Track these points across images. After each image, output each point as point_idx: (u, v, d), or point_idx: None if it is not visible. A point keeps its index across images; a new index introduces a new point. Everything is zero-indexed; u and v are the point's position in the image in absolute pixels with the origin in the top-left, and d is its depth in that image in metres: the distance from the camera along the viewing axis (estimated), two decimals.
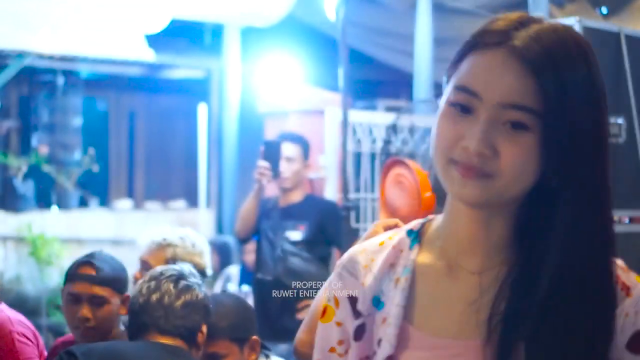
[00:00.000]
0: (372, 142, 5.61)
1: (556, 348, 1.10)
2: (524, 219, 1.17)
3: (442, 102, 1.17)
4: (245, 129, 8.84)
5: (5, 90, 9.21)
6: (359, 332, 1.24)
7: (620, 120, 4.65)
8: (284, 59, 7.82)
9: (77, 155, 9.25)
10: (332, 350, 1.28)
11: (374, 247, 1.28)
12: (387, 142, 5.07)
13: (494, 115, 1.10)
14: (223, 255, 7.26)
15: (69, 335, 3.06)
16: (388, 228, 1.96)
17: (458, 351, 1.16)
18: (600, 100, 1.14)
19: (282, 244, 4.59)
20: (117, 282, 2.83)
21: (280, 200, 4.75)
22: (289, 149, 4.67)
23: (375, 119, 5.75)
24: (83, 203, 9.29)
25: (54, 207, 9.08)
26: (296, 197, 4.73)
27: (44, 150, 9.07)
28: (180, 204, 9.80)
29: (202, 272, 3.11)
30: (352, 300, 1.26)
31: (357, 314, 1.25)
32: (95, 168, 9.25)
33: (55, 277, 8.31)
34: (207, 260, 3.29)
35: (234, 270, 6.63)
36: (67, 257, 8.35)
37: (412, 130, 5.22)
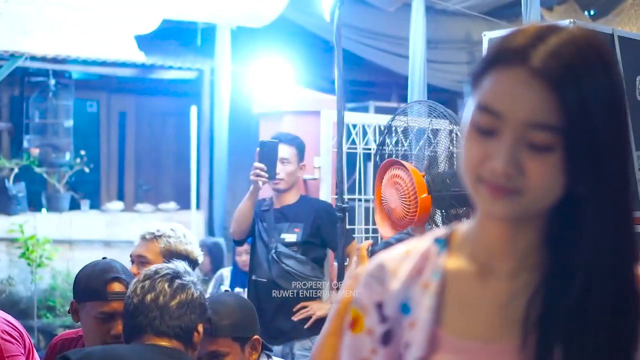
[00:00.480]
0: (365, 144, 5.62)
1: (591, 351, 1.12)
2: (553, 225, 1.19)
3: (467, 119, 1.19)
4: (237, 130, 8.83)
5: None
6: (387, 337, 1.26)
7: None
8: (276, 60, 7.82)
9: (68, 156, 9.22)
10: None
11: (400, 255, 1.30)
12: (381, 144, 5.06)
13: (519, 135, 1.12)
14: (214, 257, 7.24)
15: (65, 332, 3.07)
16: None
17: (489, 355, 1.18)
18: (622, 108, 1.15)
19: (277, 246, 4.58)
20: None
21: (275, 201, 4.74)
22: (284, 150, 4.66)
23: (368, 120, 5.75)
24: (74, 205, 9.26)
25: (45, 209, 9.05)
26: (291, 198, 4.72)
27: (35, 152, 9.04)
28: (171, 205, 9.78)
29: (194, 262, 3.19)
30: (379, 306, 1.28)
31: (383, 318, 1.27)
32: (86, 170, 9.23)
33: (46, 279, 8.29)
34: (198, 250, 3.33)
35: (226, 271, 6.61)
36: (59, 259, 8.33)
37: (406, 131, 5.22)
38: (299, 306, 4.50)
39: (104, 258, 2.98)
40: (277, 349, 4.43)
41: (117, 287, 2.78)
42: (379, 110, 8.33)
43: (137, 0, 7.80)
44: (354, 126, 5.59)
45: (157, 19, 7.93)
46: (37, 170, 8.99)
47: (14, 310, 6.95)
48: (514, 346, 1.16)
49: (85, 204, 9.34)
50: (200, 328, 2.45)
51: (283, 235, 4.61)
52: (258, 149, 4.62)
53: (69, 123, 9.24)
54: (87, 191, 9.68)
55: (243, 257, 5.84)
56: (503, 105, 1.13)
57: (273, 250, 4.58)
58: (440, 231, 1.31)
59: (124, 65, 9.12)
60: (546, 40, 1.13)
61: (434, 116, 4.72)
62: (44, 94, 9.14)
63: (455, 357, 1.20)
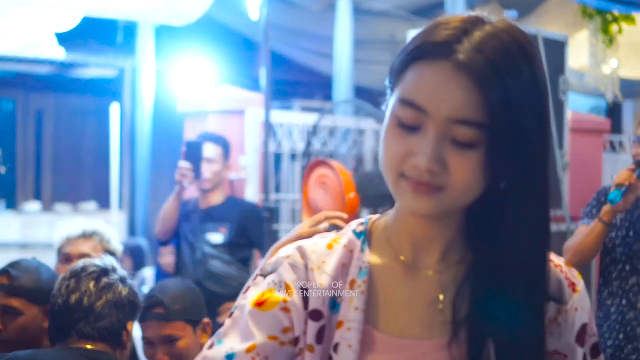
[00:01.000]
0: (292, 143, 5.61)
1: (520, 341, 1.14)
2: (475, 220, 1.20)
3: (388, 112, 1.17)
4: (161, 129, 8.72)
5: None
6: (321, 335, 1.21)
7: None
8: (200, 59, 7.75)
9: None
10: (273, 338, 1.20)
11: (323, 250, 1.26)
12: (308, 144, 5.07)
13: (443, 131, 1.11)
14: (136, 258, 7.15)
15: None
16: (317, 222, 1.96)
17: (424, 351, 1.17)
18: (545, 105, 1.16)
19: (203, 247, 4.54)
20: (33, 293, 2.69)
21: (201, 202, 4.70)
22: (209, 150, 4.62)
23: (295, 120, 5.74)
24: None
25: None
26: (217, 198, 4.69)
27: None
28: (91, 205, 9.60)
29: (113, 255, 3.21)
30: (305, 294, 1.22)
31: (316, 315, 1.22)
32: (2, 170, 8.99)
33: None
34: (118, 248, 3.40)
35: (148, 273, 6.53)
36: None
37: (333, 131, 5.23)
38: (224, 307, 4.47)
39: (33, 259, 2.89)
40: None
41: (1, 279, 2.71)
42: (304, 110, 8.34)
43: None
44: (281, 126, 5.57)
45: (78, 16, 7.75)
46: None
47: None
48: (447, 342, 1.16)
49: (1, 205, 9.10)
50: (130, 327, 2.40)
51: (209, 236, 4.58)
52: (183, 148, 4.58)
53: None
54: (2, 192, 9.44)
55: (167, 258, 5.78)
56: (427, 101, 1.11)
57: (199, 252, 4.54)
58: (356, 224, 1.28)
59: (42, 62, 8.92)
60: (471, 35, 1.11)
61: (361, 116, 4.74)
62: None
63: (390, 356, 1.18)
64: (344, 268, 1.23)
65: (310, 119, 5.45)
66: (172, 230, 4.68)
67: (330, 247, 1.25)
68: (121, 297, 2.37)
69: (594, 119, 7.58)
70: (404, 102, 1.13)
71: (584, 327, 1.20)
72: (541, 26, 6.62)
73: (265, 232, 4.49)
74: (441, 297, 1.20)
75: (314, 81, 9.76)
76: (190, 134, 5.46)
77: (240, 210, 4.66)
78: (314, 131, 4.98)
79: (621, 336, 3.55)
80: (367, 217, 1.31)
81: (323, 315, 1.21)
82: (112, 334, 2.34)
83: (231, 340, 1.21)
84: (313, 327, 1.21)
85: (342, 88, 6.29)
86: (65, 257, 3.22)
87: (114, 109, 8.36)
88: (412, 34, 4.07)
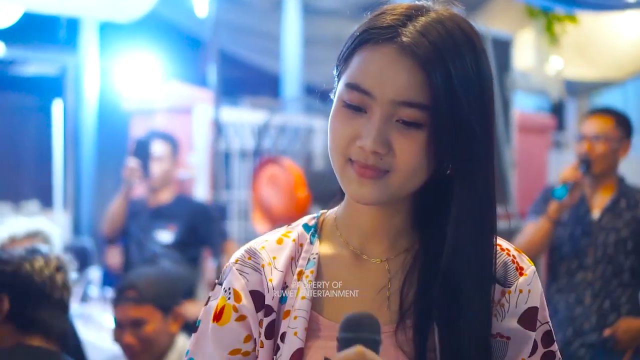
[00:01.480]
0: (242, 142, 5.59)
1: (464, 326, 1.15)
2: (423, 206, 1.22)
3: (335, 98, 1.19)
4: (106, 127, 8.63)
5: None
6: (270, 329, 1.23)
7: None
8: (146, 56, 7.67)
9: None
10: (234, 352, 1.24)
11: (273, 245, 1.28)
12: (258, 142, 5.05)
13: (388, 113, 1.12)
14: (81, 258, 7.06)
15: None
16: None
17: None
18: (488, 89, 1.18)
19: (152, 246, 4.51)
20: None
21: (150, 200, 4.66)
22: (158, 148, 4.59)
23: (244, 118, 5.73)
24: None
25: None
26: (166, 197, 4.65)
27: None
28: (33, 204, 9.44)
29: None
30: (257, 296, 1.25)
31: (267, 310, 1.24)
32: None
33: None
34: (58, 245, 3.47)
35: (94, 273, 6.44)
36: None
37: (283, 129, 5.22)
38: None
39: None
40: None
41: None
42: (253, 107, 8.33)
43: None
44: (231, 124, 5.55)
45: (18, 11, 7.60)
46: None
47: None
48: (393, 328, 1.18)
49: None
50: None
51: (158, 235, 4.54)
52: (131, 146, 4.54)
53: None
54: None
55: (114, 258, 5.71)
56: (372, 84, 1.13)
57: (147, 251, 4.50)
58: (308, 218, 1.31)
59: None
60: (415, 20, 1.14)
61: (311, 114, 4.74)
62: None
63: (335, 344, 1.16)
64: (292, 261, 1.26)
65: (260, 117, 5.43)
66: (119, 228, 4.64)
67: (280, 242, 1.28)
68: None
69: (540, 117, 7.69)
70: (350, 85, 1.15)
71: (530, 310, 1.20)
72: (486, 23, 6.70)
73: (214, 230, 4.46)
74: (388, 284, 1.22)
75: (262, 79, 9.73)
76: (137, 131, 5.40)
77: (190, 209, 4.63)
78: (264, 129, 4.96)
79: (569, 331, 3.60)
80: (319, 212, 1.33)
81: (273, 310, 1.23)
82: None
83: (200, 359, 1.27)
84: (264, 322, 1.23)
85: (291, 86, 6.28)
86: None
87: (57, 107, 8.24)
88: None
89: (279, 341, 1.22)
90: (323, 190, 3.83)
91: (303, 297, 1.22)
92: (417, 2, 1.19)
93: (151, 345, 2.78)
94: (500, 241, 1.24)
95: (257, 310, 1.24)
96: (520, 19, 7.82)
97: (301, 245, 1.27)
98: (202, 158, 5.48)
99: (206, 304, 1.30)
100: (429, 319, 1.16)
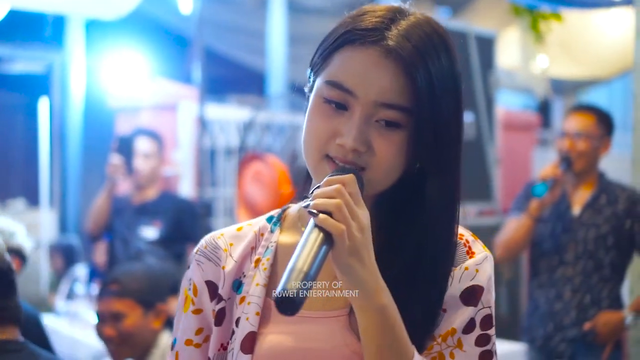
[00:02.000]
0: (227, 139, 5.60)
1: (418, 312, 1.18)
2: (387, 203, 1.24)
3: (313, 95, 1.21)
4: (91, 124, 8.62)
5: None
6: (220, 317, 1.28)
7: (468, 118, 4.83)
8: (132, 53, 7.67)
9: None
10: (188, 342, 1.31)
11: (231, 232, 1.33)
12: (242, 139, 5.05)
13: (369, 113, 1.15)
14: (67, 256, 7.06)
15: None
16: None
17: (324, 322, 1.22)
18: (460, 89, 1.21)
19: (137, 243, 4.51)
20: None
21: (135, 197, 4.67)
22: (145, 145, 4.60)
23: (229, 115, 5.74)
24: None
25: None
26: (151, 194, 4.66)
27: None
28: (19, 202, 9.42)
29: (20, 254, 3.26)
30: (211, 286, 1.30)
31: (218, 298, 1.28)
32: None
33: None
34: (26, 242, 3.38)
35: (80, 270, 6.44)
36: None
37: (268, 126, 5.23)
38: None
39: None
40: None
41: None
42: (239, 104, 8.34)
43: None
44: (216, 121, 5.56)
45: (4, 8, 7.58)
46: None
47: None
48: (347, 311, 1.21)
49: None
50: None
51: (143, 231, 4.55)
52: (115, 143, 4.55)
53: None
54: None
55: (101, 256, 5.71)
56: (355, 83, 1.16)
57: (133, 247, 4.51)
58: (274, 211, 1.35)
59: None
60: (398, 23, 1.17)
61: (296, 111, 4.75)
62: None
63: (288, 328, 1.23)
64: (252, 250, 1.30)
65: (245, 114, 5.44)
66: (103, 225, 4.65)
67: (239, 229, 1.34)
68: None
69: (525, 115, 7.73)
70: (332, 83, 1.17)
71: (473, 288, 1.21)
72: (473, 23, 6.73)
73: (199, 227, 4.47)
74: None
75: (247, 77, 9.74)
76: (122, 128, 5.40)
77: (174, 206, 4.64)
78: (249, 126, 4.97)
79: (550, 326, 3.63)
80: (286, 205, 1.37)
81: (223, 298, 1.28)
82: None
83: (178, 342, 1.34)
84: (215, 310, 1.29)
85: (277, 84, 6.30)
86: None
87: (43, 105, 8.22)
88: None
89: (234, 326, 1.26)
90: (310, 187, 3.85)
91: (257, 284, 1.26)
92: (394, 4, 1.22)
93: (131, 338, 2.80)
94: (458, 228, 1.27)
95: (212, 299, 1.29)
96: (506, 17, 7.85)
97: (262, 235, 1.31)
98: (187, 155, 5.49)
99: (181, 289, 1.37)
100: None
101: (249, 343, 1.23)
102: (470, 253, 1.24)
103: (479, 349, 1.19)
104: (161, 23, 8.37)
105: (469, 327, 1.20)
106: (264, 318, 1.25)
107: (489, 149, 4.93)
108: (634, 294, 3.74)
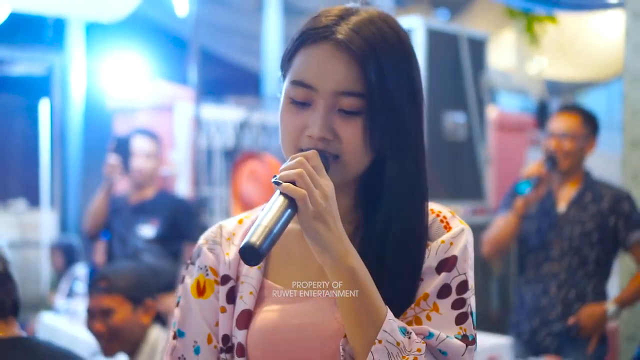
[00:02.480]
0: (224, 139, 5.65)
1: (397, 288, 1.28)
2: (366, 190, 1.35)
3: (282, 96, 1.32)
4: (91, 126, 8.67)
5: None
6: (231, 295, 1.39)
7: (460, 119, 4.89)
8: (130, 55, 7.73)
9: None
10: (217, 324, 1.40)
11: (233, 224, 1.46)
12: (238, 138, 5.12)
13: (330, 103, 1.26)
14: (68, 255, 7.13)
15: None
16: None
17: (315, 300, 1.32)
18: (416, 77, 1.32)
19: (134, 241, 4.56)
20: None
21: (133, 196, 4.71)
22: (144, 144, 4.64)
23: (226, 115, 5.79)
24: None
25: None
26: (149, 193, 4.71)
27: None
28: (20, 202, 9.49)
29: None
30: (220, 270, 1.42)
31: (225, 279, 1.40)
32: None
33: None
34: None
35: (80, 269, 6.51)
36: None
37: (264, 126, 5.29)
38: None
39: None
40: None
41: None
42: (235, 106, 8.39)
43: None
44: (213, 122, 5.61)
45: (5, 11, 7.65)
46: None
47: None
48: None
49: None
50: None
51: (140, 230, 4.59)
52: (112, 143, 4.60)
53: None
54: None
55: (102, 255, 5.76)
56: (314, 78, 1.26)
57: (130, 246, 4.56)
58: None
59: None
60: (347, 19, 1.28)
61: None
62: None
63: (280, 306, 1.34)
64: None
65: (241, 114, 5.51)
66: (101, 224, 4.69)
67: (240, 222, 1.46)
68: None
69: (519, 116, 7.79)
70: (295, 82, 1.28)
71: (449, 259, 1.30)
72: (471, 25, 6.79)
73: (195, 225, 4.53)
74: None
75: (244, 78, 9.79)
76: (120, 129, 5.46)
77: (171, 204, 4.69)
78: (243, 125, 5.03)
79: (536, 321, 3.69)
80: None
81: (231, 278, 1.40)
82: None
83: (192, 332, 1.41)
84: (223, 290, 1.39)
85: (273, 84, 6.35)
86: None
87: (43, 106, 8.28)
88: None
89: (234, 305, 1.39)
90: None
91: (252, 267, 1.37)
92: (349, 5, 1.32)
93: (120, 333, 2.88)
94: (434, 206, 1.37)
95: (221, 283, 1.40)
96: (501, 19, 7.90)
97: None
98: (183, 155, 5.55)
99: (182, 282, 1.45)
100: None
101: (244, 320, 1.35)
102: (447, 227, 1.33)
103: (456, 312, 1.28)
104: (159, 25, 8.43)
105: (444, 292, 1.28)
106: (260, 298, 1.36)
107: (480, 149, 5.00)
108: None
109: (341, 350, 1.24)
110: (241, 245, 1.14)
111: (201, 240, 1.46)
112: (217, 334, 1.40)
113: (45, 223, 8.05)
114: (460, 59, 4.91)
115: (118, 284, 2.90)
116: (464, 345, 1.26)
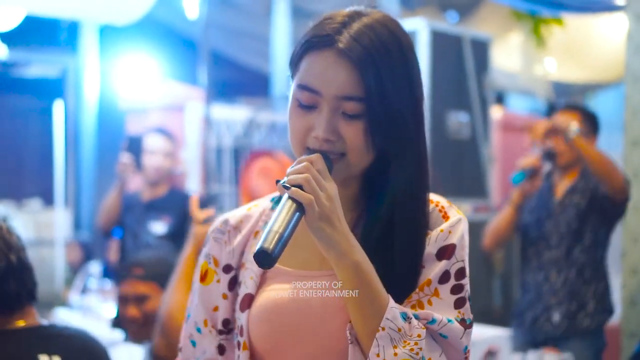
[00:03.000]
0: (232, 138, 5.74)
1: (398, 270, 1.38)
2: (368, 181, 1.45)
3: (290, 97, 1.42)
4: (104, 126, 8.77)
5: None
6: (232, 283, 1.51)
7: (463, 118, 4.98)
8: (142, 57, 7.83)
9: None
10: (216, 309, 1.52)
11: (242, 212, 1.55)
12: (246, 136, 5.21)
13: (334, 107, 1.36)
14: (85, 252, 7.27)
15: None
16: None
17: (319, 279, 1.41)
18: (416, 79, 1.41)
19: (146, 237, 4.65)
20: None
21: (145, 193, 4.81)
22: (160, 143, 4.74)
23: (235, 115, 5.88)
24: None
25: None
26: (161, 191, 4.80)
27: None
28: (35, 202, 9.60)
29: None
30: (225, 257, 1.52)
31: (228, 268, 1.51)
32: None
33: None
34: None
35: (94, 267, 6.62)
36: None
37: (273, 126, 5.38)
38: None
39: None
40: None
41: None
42: (246, 106, 8.47)
43: None
44: (223, 121, 5.70)
45: (20, 14, 7.77)
46: None
47: None
48: (331, 271, 1.38)
49: None
50: None
51: (152, 226, 4.69)
52: (124, 142, 4.70)
53: None
54: None
55: (115, 253, 5.86)
56: (319, 83, 1.36)
57: (142, 242, 4.65)
58: (276, 192, 1.53)
59: None
60: (350, 26, 1.36)
61: None
62: None
63: (285, 285, 1.43)
64: (255, 226, 1.52)
65: (250, 114, 5.59)
66: (114, 221, 4.78)
67: (249, 209, 1.56)
68: None
69: (524, 117, 7.86)
70: (301, 86, 1.38)
71: (448, 247, 1.40)
72: (478, 27, 6.86)
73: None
74: None
75: (253, 79, 9.87)
76: (132, 129, 5.55)
77: (182, 202, 4.77)
78: (250, 124, 5.12)
79: (538, 308, 3.76)
80: None
81: (233, 268, 1.51)
82: None
83: (195, 314, 1.54)
84: (225, 278, 1.51)
85: (281, 86, 6.43)
86: None
87: (58, 107, 8.38)
88: None
89: (238, 289, 1.49)
90: None
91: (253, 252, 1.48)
92: (353, 9, 1.41)
93: (152, 320, 2.94)
94: (433, 196, 1.46)
95: (225, 271, 1.51)
96: (508, 22, 7.94)
97: (264, 213, 1.53)
98: (194, 153, 5.64)
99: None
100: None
101: (246, 303, 1.45)
102: (445, 217, 1.43)
103: (454, 296, 1.38)
104: (170, 28, 8.52)
105: (444, 278, 1.38)
106: (263, 280, 1.46)
107: (483, 148, 5.09)
108: (626, 287, 3.87)
109: (348, 335, 1.33)
110: (255, 251, 1.23)
111: (211, 228, 1.55)
112: (213, 319, 1.51)
113: (59, 222, 8.15)
114: (464, 60, 5.00)
115: (152, 272, 3.00)
116: (463, 328, 1.36)
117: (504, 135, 6.71)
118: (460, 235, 1.42)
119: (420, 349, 1.31)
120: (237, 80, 10.29)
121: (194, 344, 1.54)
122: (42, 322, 2.08)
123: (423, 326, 1.33)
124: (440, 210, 1.44)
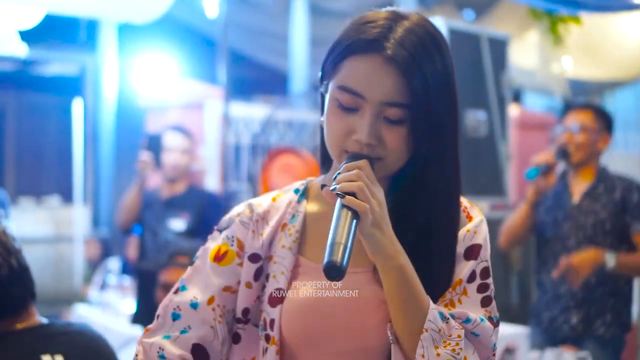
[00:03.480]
0: (250, 135, 5.77)
1: (434, 264, 1.41)
2: (399, 178, 1.46)
3: (328, 98, 1.42)
4: (123, 124, 8.83)
5: None
6: (258, 273, 1.50)
7: (481, 116, 5.00)
8: (161, 55, 7.87)
9: None
10: (227, 289, 1.50)
11: (268, 202, 1.54)
12: (264, 133, 5.24)
13: (377, 111, 1.37)
14: (105, 247, 7.33)
15: None
16: None
17: (351, 276, 1.40)
18: (452, 82, 1.43)
19: (165, 234, 4.69)
20: None
21: (164, 190, 4.85)
22: (178, 140, 4.78)
23: (254, 113, 5.91)
24: None
25: None
26: (180, 188, 4.84)
27: None
28: (54, 199, 9.68)
29: None
30: (251, 246, 1.50)
31: (255, 258, 1.50)
32: None
33: None
34: None
35: (113, 263, 6.68)
36: None
37: (291, 123, 5.41)
38: None
39: None
40: None
41: None
42: (264, 104, 8.50)
43: None
44: (241, 119, 5.73)
45: (40, 13, 7.82)
46: None
47: None
48: (371, 267, 1.42)
49: None
50: None
51: (171, 223, 4.73)
52: (144, 140, 4.74)
53: None
54: None
55: (134, 250, 5.90)
56: (363, 87, 1.36)
57: (161, 238, 4.69)
58: (298, 184, 1.55)
59: (4, 60, 8.96)
60: (394, 31, 1.37)
61: (317, 109, 4.93)
62: None
63: (317, 283, 1.44)
64: (282, 219, 1.52)
65: (269, 112, 5.62)
66: (133, 218, 4.82)
67: (274, 199, 1.55)
68: None
69: (540, 115, 7.85)
70: (343, 88, 1.38)
71: (474, 247, 1.44)
72: (495, 26, 6.85)
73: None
74: None
75: (271, 78, 9.90)
76: (152, 127, 5.59)
77: (201, 199, 4.82)
78: (267, 122, 5.15)
79: (556, 309, 3.77)
80: (307, 179, 1.57)
81: (261, 258, 1.50)
82: None
83: (194, 288, 1.51)
84: (251, 267, 1.50)
85: (299, 84, 6.46)
86: None
87: (77, 105, 8.44)
88: None
89: (265, 281, 1.49)
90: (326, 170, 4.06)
91: (283, 246, 1.48)
92: (390, 10, 1.42)
93: None
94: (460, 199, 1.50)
95: (250, 260, 1.50)
96: (525, 20, 7.93)
97: (290, 205, 1.52)
98: (212, 151, 5.67)
99: (205, 245, 1.56)
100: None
101: (278, 298, 1.45)
102: (469, 217, 1.46)
103: (481, 295, 1.42)
104: (190, 26, 8.56)
105: (471, 278, 1.42)
106: (295, 273, 1.47)
107: (501, 146, 5.10)
108: None
109: (390, 335, 1.36)
110: (324, 265, 1.24)
111: (234, 212, 1.55)
112: (224, 299, 1.49)
113: (78, 219, 8.21)
114: (481, 59, 5.01)
115: (176, 261, 3.06)
116: (492, 327, 1.39)
117: (521, 133, 6.71)
118: (484, 235, 1.45)
119: (461, 349, 1.34)
120: (256, 79, 10.33)
121: (176, 316, 1.51)
122: (42, 320, 2.07)
123: (460, 326, 1.36)
124: (464, 211, 1.47)
